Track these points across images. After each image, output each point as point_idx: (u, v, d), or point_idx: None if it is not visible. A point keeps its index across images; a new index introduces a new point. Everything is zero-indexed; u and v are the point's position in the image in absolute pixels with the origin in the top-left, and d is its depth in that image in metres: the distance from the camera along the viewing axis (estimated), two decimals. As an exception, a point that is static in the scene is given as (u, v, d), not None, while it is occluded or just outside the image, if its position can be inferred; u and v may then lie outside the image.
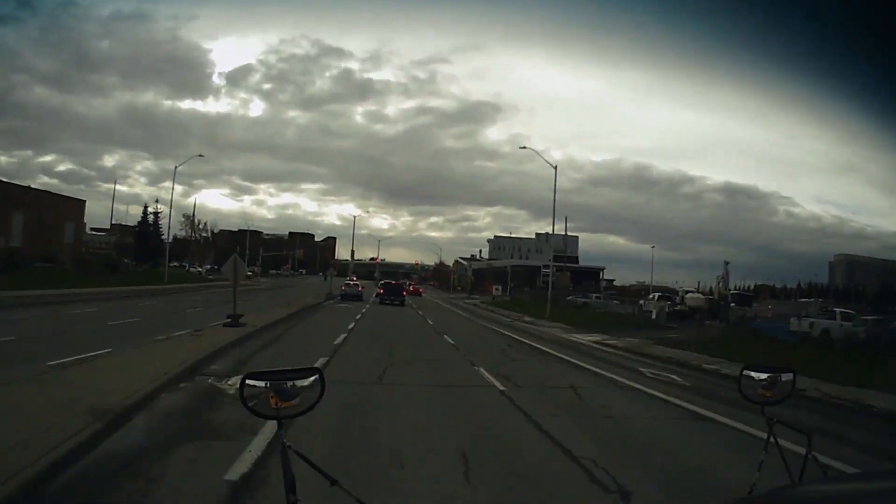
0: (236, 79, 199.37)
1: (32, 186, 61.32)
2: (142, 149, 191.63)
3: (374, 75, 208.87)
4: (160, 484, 5.59)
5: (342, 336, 21.41)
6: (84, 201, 69.12)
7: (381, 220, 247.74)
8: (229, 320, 19.61)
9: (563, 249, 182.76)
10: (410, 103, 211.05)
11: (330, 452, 6.80)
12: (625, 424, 9.96)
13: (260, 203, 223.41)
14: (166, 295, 42.16)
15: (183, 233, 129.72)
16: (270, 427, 6.48)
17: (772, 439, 2.64)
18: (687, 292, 53.40)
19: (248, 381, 2.16)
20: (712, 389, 14.12)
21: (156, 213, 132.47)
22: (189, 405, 9.20)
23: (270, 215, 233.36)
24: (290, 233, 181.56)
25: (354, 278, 79.75)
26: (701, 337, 27.31)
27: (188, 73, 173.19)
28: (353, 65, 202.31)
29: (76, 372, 10.21)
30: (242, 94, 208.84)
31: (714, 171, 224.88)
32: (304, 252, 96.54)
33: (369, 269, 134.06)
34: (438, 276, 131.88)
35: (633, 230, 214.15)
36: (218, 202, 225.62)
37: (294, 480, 1.98)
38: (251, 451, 6.54)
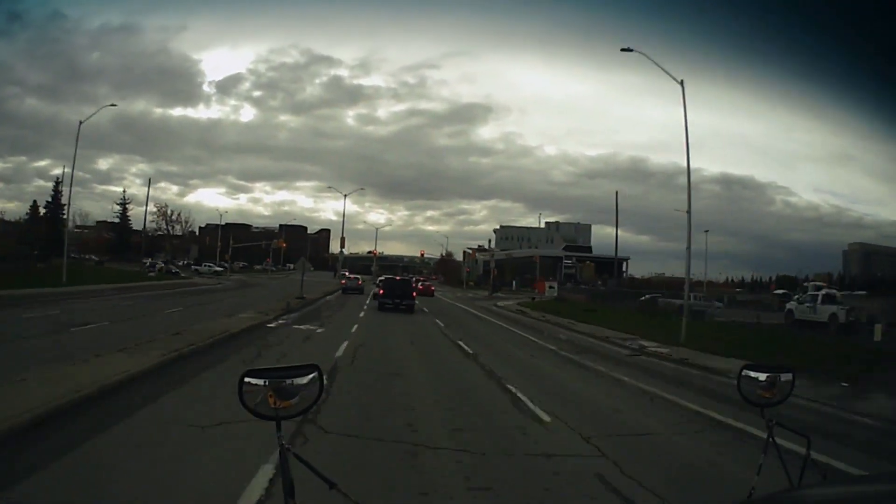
0: (227, 87, 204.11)
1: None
2: (135, 152, 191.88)
3: (364, 81, 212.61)
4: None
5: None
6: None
7: (378, 215, 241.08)
8: None
9: (574, 239, 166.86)
10: (401, 106, 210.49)
11: None
12: None
13: (256, 201, 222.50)
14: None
15: (154, 225, 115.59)
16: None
17: (771, 441, 2.62)
18: (819, 287, 37.44)
19: (246, 380, 2.09)
20: None
21: (123, 204, 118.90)
22: None
23: (267, 212, 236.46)
24: (281, 225, 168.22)
25: (348, 272, 73.05)
26: None
27: (178, 83, 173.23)
28: (343, 72, 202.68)
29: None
30: (233, 102, 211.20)
31: (710, 163, 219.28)
32: (284, 242, 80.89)
33: (366, 264, 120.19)
34: (445, 269, 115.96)
35: (631, 221, 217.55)
36: (215, 200, 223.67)
37: (293, 484, 1.93)
38: None
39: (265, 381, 2.10)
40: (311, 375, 2.16)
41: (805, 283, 60.66)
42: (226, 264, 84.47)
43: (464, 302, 50.74)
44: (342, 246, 66.09)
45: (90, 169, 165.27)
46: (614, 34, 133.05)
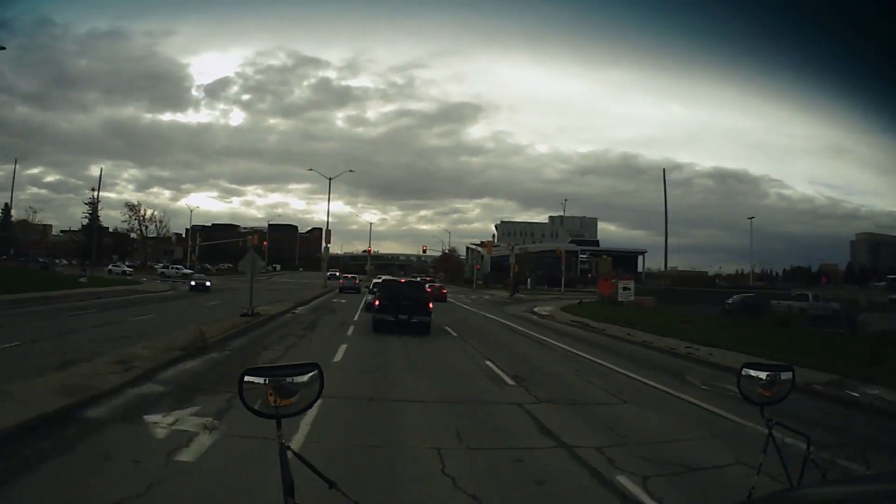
0: (215, 91, 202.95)
1: None
2: (126, 158, 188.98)
3: (353, 82, 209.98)
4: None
5: None
6: None
7: (371, 216, 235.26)
8: None
9: (580, 233, 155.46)
10: (390, 107, 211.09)
11: None
12: None
13: (249, 204, 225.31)
14: None
15: (127, 226, 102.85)
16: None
17: (771, 441, 2.55)
18: None
19: (247, 378, 2.04)
20: None
21: (93, 204, 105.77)
22: None
23: (260, 215, 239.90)
24: (270, 225, 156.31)
25: (339, 272, 68.37)
26: None
27: (167, 88, 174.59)
28: (331, 73, 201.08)
29: None
30: (222, 105, 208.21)
31: (702, 158, 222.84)
32: (256, 238, 68.39)
33: (360, 263, 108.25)
34: (446, 267, 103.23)
35: (624, 216, 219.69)
36: (207, 204, 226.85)
37: (293, 483, 1.87)
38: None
39: (265, 380, 2.05)
40: (311, 373, 2.11)
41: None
42: (191, 266, 72.23)
43: (488, 308, 37.87)
44: (327, 240, 53.22)
45: (82, 175, 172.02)
46: (604, 31, 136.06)
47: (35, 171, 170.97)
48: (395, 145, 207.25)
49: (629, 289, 28.52)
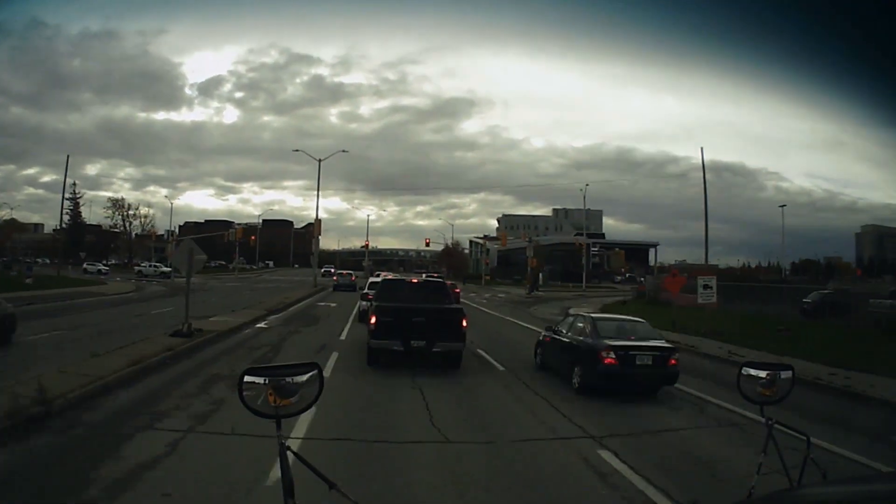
0: (208, 89, 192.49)
1: None
2: (122, 157, 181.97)
3: (345, 79, 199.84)
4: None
5: None
6: None
7: (368, 212, 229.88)
8: None
9: (585, 226, 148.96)
10: (384, 103, 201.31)
11: None
12: None
13: (245, 201, 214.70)
14: None
15: (111, 222, 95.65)
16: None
17: (771, 440, 2.56)
18: None
19: (247, 378, 2.03)
20: None
21: (74, 200, 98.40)
22: None
23: (256, 212, 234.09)
24: (265, 220, 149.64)
25: (333, 269, 64.91)
26: None
27: (160, 87, 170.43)
28: (323, 70, 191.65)
29: None
30: (215, 104, 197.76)
31: (698, 151, 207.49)
32: (243, 233, 61.37)
33: (358, 259, 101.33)
34: (450, 261, 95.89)
35: (622, 210, 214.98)
36: (204, 202, 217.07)
37: (293, 484, 1.84)
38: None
39: (265, 380, 2.02)
40: (310, 373, 2.07)
41: None
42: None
43: (510, 310, 30.46)
44: (317, 232, 45.83)
45: (78, 175, 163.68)
46: (598, 24, 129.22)
47: (32, 171, 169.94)
48: (389, 141, 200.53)
49: (711, 287, 21.25)
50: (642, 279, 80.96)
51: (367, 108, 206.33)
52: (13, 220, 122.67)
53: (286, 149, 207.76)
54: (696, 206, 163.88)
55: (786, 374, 2.64)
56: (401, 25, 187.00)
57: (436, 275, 53.59)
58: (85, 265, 70.68)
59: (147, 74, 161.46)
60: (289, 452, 1.92)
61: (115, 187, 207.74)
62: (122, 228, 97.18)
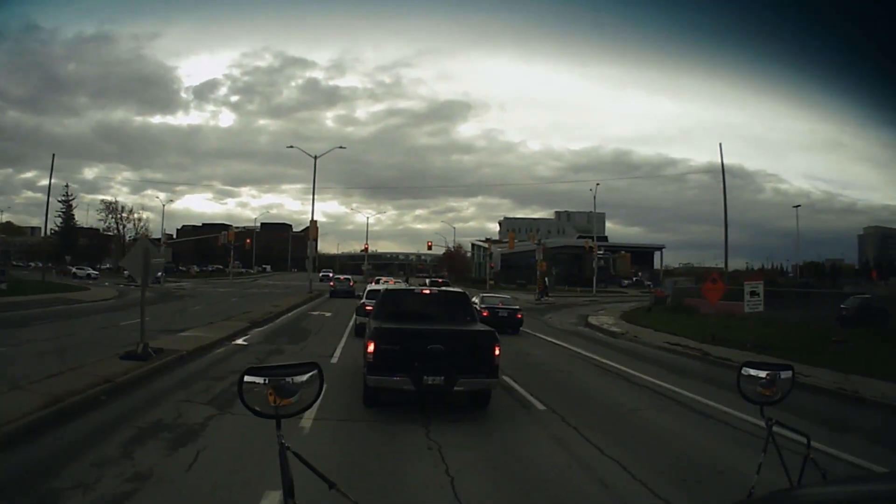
0: (203, 93, 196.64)
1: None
2: (119, 161, 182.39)
3: (340, 82, 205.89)
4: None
5: None
6: None
7: (366, 216, 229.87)
8: None
9: (588, 229, 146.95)
10: (379, 106, 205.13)
11: None
12: None
13: (243, 205, 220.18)
14: None
15: (104, 224, 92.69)
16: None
17: (771, 440, 2.54)
18: None
19: (246, 378, 2.01)
20: None
21: (67, 202, 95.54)
22: None
23: (255, 215, 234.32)
24: (263, 224, 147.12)
25: (331, 273, 62.35)
26: None
27: (156, 90, 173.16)
28: (318, 74, 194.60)
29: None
30: (211, 107, 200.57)
31: (696, 153, 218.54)
32: (235, 236, 58.62)
33: (357, 263, 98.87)
34: (452, 265, 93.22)
35: (621, 213, 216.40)
36: (203, 206, 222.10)
37: (293, 483, 1.83)
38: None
39: (265, 379, 2.01)
40: (310, 373, 2.06)
41: None
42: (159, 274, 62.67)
43: (534, 323, 27.52)
44: (313, 235, 42.98)
45: (76, 179, 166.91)
46: (594, 27, 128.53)
47: (29, 174, 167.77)
48: (386, 144, 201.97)
49: (758, 294, 18.37)
50: (649, 283, 78.22)
51: (362, 111, 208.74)
52: (9, 224, 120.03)
53: (283, 152, 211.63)
54: (695, 208, 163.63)
55: (786, 374, 2.63)
56: (394, 29, 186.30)
57: (441, 280, 50.64)
58: (74, 269, 68.01)
59: (142, 78, 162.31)
60: (289, 452, 1.88)
61: (114, 191, 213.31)
62: (115, 232, 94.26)
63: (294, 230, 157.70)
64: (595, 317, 27.67)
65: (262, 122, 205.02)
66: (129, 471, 5.77)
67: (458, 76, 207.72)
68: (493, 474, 6.02)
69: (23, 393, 8.65)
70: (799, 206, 74.83)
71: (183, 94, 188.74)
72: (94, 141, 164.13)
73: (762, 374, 2.63)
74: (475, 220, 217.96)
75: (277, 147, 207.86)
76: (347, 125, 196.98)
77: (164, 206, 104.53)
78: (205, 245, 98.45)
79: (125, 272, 64.20)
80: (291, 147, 49.19)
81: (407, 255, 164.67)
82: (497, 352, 7.92)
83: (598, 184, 63.86)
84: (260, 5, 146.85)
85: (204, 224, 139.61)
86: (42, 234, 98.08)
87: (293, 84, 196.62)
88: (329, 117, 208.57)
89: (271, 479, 5.43)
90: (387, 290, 10.60)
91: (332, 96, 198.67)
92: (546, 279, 67.06)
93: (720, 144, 42.61)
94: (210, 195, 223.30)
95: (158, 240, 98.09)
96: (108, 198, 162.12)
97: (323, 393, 2.12)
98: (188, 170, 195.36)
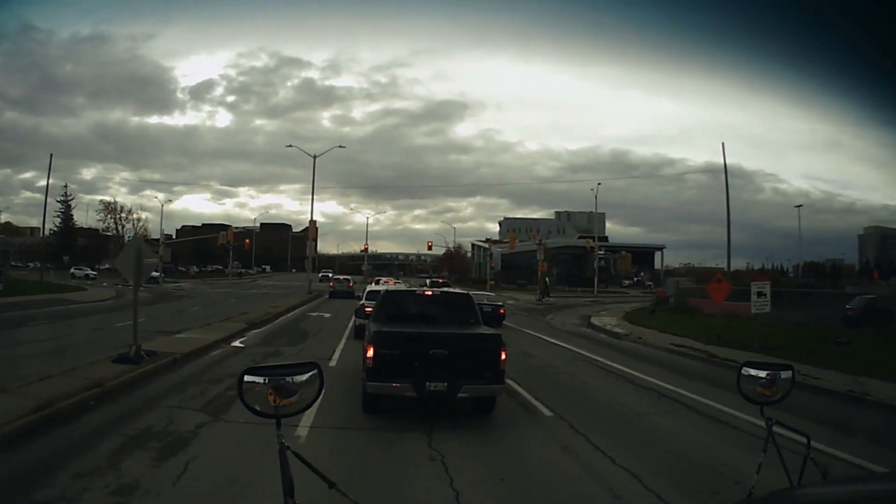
0: (200, 93, 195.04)
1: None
2: (117, 161, 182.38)
3: (336, 82, 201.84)
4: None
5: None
6: None
7: (365, 216, 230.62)
8: None
9: (588, 229, 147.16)
10: (376, 106, 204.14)
11: None
12: None
13: (242, 205, 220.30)
14: None
15: (104, 224, 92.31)
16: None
17: (771, 440, 2.54)
18: None
19: (246, 377, 2.01)
20: None
21: (66, 202, 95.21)
22: None
23: (254, 216, 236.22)
24: (262, 224, 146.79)
25: (330, 273, 61.61)
26: None
27: (152, 91, 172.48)
28: (313, 74, 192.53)
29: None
30: (208, 108, 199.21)
31: (695, 153, 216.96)
32: (233, 237, 58.28)
33: (357, 263, 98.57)
34: (452, 265, 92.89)
35: (620, 213, 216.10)
36: (202, 206, 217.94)
37: (293, 484, 1.81)
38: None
39: (265, 379, 2.00)
40: (310, 373, 2.06)
41: None
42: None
43: (526, 320, 27.07)
44: (313, 235, 42.64)
45: (74, 179, 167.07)
46: (592, 27, 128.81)
47: (28, 175, 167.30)
48: (383, 145, 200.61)
49: (765, 294, 18.05)
50: (650, 283, 77.88)
51: (359, 111, 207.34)
52: (8, 224, 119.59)
53: (280, 152, 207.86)
54: (694, 208, 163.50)
55: (786, 374, 2.62)
56: (389, 28, 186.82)
57: (441, 280, 50.30)
58: (72, 270, 67.70)
59: (139, 79, 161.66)
60: (289, 452, 1.87)
61: (112, 191, 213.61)
62: (114, 232, 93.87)
63: (293, 230, 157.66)
64: (597, 317, 27.35)
65: (258, 122, 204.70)
66: (114, 483, 5.46)
67: (454, 76, 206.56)
68: (499, 487, 5.69)
69: (11, 396, 8.36)
70: (801, 205, 74.35)
71: (179, 95, 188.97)
72: (92, 141, 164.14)
73: (762, 374, 2.62)
74: (474, 221, 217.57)
75: (274, 147, 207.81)
76: (344, 125, 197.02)
77: (162, 206, 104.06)
78: (204, 245, 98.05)
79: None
80: (291, 146, 48.90)
81: (407, 255, 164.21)
82: (503, 356, 7.59)
83: (599, 183, 63.44)
84: (254, 5, 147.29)
85: (203, 224, 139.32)
86: (41, 235, 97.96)
87: (289, 84, 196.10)
88: (325, 117, 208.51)
89: (264, 492, 5.11)
90: (387, 291, 10.26)
91: (328, 96, 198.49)
92: (547, 279, 66.87)
93: (722, 144, 42.01)
94: (208, 195, 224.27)
95: (157, 240, 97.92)
96: (107, 198, 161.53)
97: (322, 393, 2.10)
98: (185, 170, 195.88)
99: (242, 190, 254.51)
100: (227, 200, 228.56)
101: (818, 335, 20.13)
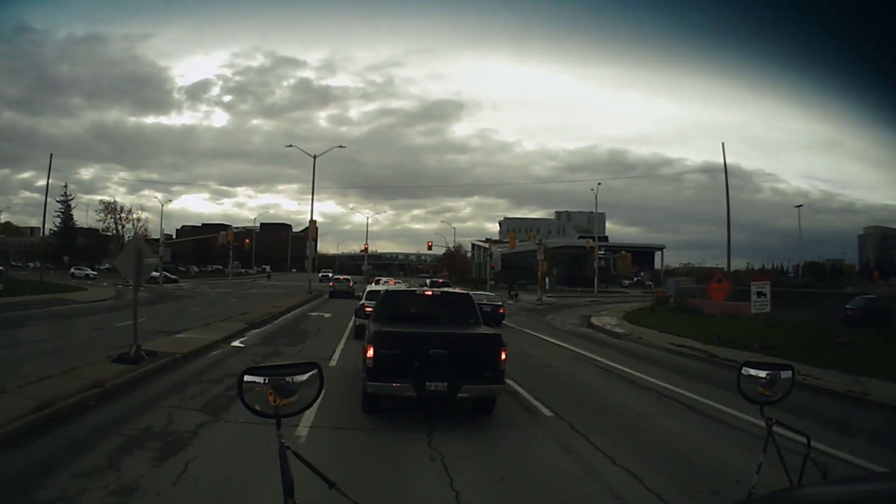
0: (196, 93, 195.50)
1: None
2: (115, 161, 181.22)
3: (332, 82, 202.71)
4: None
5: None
6: None
7: (364, 216, 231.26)
8: None
9: (588, 229, 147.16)
10: (372, 106, 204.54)
11: None
12: None
13: (241, 205, 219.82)
14: None
15: (103, 224, 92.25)
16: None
17: (771, 440, 2.55)
18: None
19: (246, 377, 2.01)
20: None
21: (66, 202, 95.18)
22: None
23: (252, 216, 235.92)
24: (262, 224, 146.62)
25: (330, 273, 61.57)
26: None
27: (149, 91, 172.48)
28: (309, 73, 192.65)
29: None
30: (204, 107, 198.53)
31: (693, 153, 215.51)
32: (233, 237, 58.29)
33: (357, 264, 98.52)
34: (452, 265, 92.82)
35: (619, 213, 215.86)
36: (200, 206, 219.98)
37: (293, 483, 1.81)
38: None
39: (265, 379, 2.00)
40: (310, 373, 2.06)
41: None
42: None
43: (525, 320, 27.08)
44: (313, 235, 42.64)
45: (72, 179, 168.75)
46: (589, 27, 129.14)
47: (27, 175, 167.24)
48: (380, 144, 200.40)
49: (765, 294, 18.05)
50: (650, 283, 77.83)
51: (355, 111, 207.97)
52: (8, 224, 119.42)
53: (278, 152, 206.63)
54: (693, 208, 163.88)
55: (786, 374, 2.62)
56: (383, 28, 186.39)
57: (441, 280, 50.26)
58: (72, 270, 67.69)
59: (135, 79, 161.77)
60: (289, 452, 1.87)
61: (111, 191, 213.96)
62: (114, 232, 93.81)
63: (294, 231, 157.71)
64: (597, 317, 27.35)
65: (255, 122, 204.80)
66: (114, 483, 5.45)
67: (449, 76, 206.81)
68: (499, 487, 5.69)
69: (10, 397, 8.36)
70: (801, 205, 74.22)
71: (176, 95, 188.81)
72: (90, 141, 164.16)
73: (762, 373, 2.61)
74: (473, 221, 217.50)
75: (272, 147, 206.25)
76: (341, 125, 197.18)
77: (162, 206, 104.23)
78: (204, 245, 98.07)
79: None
80: (291, 146, 48.88)
81: (407, 255, 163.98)
82: (503, 356, 7.59)
83: (599, 183, 63.41)
84: (248, 5, 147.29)
85: (203, 224, 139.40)
86: (41, 235, 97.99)
87: (285, 84, 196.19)
88: (322, 117, 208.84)
89: (264, 492, 5.11)
90: (387, 291, 10.26)
91: (324, 96, 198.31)
92: (546, 279, 66.86)
93: (722, 144, 41.96)
94: (207, 195, 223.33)
95: (157, 240, 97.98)
96: (106, 198, 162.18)
97: (322, 393, 2.11)
98: (183, 170, 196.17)
99: (240, 190, 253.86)
100: (225, 200, 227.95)
101: (818, 335, 20.13)
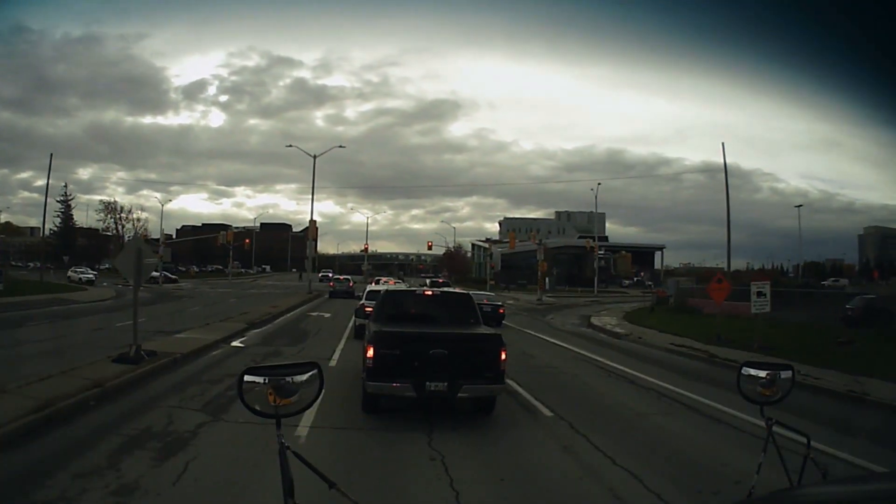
0: (193, 93, 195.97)
1: None
2: (113, 161, 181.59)
3: (328, 81, 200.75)
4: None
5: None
6: None
7: (363, 216, 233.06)
8: None
9: (588, 229, 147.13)
10: (368, 105, 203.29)
11: None
12: None
13: (239, 205, 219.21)
14: None
15: (103, 224, 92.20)
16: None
17: (771, 440, 2.55)
18: None
19: (246, 377, 2.01)
20: None
21: (65, 200, 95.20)
22: None
23: (251, 216, 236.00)
24: (262, 224, 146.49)
25: (330, 273, 61.26)
26: None
27: (145, 91, 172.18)
28: (305, 73, 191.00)
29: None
30: (201, 107, 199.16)
31: (691, 153, 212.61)
32: (233, 237, 58.24)
33: (357, 264, 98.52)
34: (452, 265, 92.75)
35: (618, 213, 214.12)
36: (199, 206, 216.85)
37: (293, 483, 1.81)
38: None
39: (265, 379, 2.00)
40: (310, 373, 2.06)
41: None
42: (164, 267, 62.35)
43: (526, 320, 27.08)
44: (313, 235, 42.63)
45: (71, 179, 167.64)
46: (587, 26, 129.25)
47: (25, 175, 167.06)
48: (377, 144, 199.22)
49: (765, 294, 18.05)
50: (650, 283, 77.81)
51: (352, 110, 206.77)
52: (8, 224, 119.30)
53: (276, 152, 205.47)
54: (692, 208, 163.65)
55: (786, 374, 2.62)
56: (379, 27, 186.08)
57: (441, 280, 50.27)
58: (69, 272, 67.62)
59: (132, 79, 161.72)
60: (289, 452, 1.87)
61: (109, 191, 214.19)
62: (114, 232, 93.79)
63: (293, 231, 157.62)
64: (597, 317, 27.36)
65: (252, 121, 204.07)
66: (114, 483, 5.46)
67: (445, 75, 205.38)
68: (500, 486, 5.69)
69: (10, 397, 8.36)
70: (801, 205, 74.17)
71: (172, 95, 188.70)
72: (87, 141, 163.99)
73: (762, 373, 2.61)
74: (472, 220, 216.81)
75: (269, 147, 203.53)
76: (337, 124, 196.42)
77: (161, 206, 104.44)
78: (204, 245, 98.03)
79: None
80: (291, 146, 48.87)
81: (407, 255, 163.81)
82: (503, 356, 7.59)
83: (599, 183, 63.39)
84: (243, 5, 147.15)
85: (203, 224, 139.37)
86: (41, 235, 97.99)
87: (281, 84, 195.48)
88: (319, 117, 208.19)
89: (264, 492, 5.11)
90: (387, 291, 10.27)
91: (320, 96, 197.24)
92: (546, 279, 66.82)
93: (722, 144, 41.91)
94: (205, 195, 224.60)
95: (157, 240, 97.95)
96: (104, 198, 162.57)
97: (322, 393, 2.11)
98: (181, 170, 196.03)
99: (239, 190, 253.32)
100: (223, 200, 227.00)
101: (818, 335, 20.14)
